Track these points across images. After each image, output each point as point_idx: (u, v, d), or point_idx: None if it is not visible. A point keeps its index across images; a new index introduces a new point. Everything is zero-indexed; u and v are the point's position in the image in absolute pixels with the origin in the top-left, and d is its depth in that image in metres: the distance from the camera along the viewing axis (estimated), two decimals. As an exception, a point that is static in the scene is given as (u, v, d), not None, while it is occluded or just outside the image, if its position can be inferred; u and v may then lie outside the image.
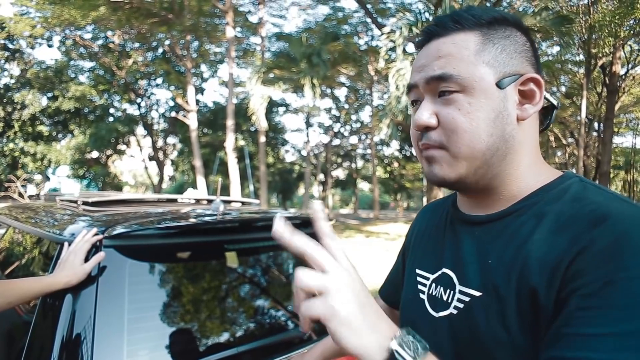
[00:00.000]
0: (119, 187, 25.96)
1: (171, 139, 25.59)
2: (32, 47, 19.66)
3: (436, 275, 0.63)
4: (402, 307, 0.71)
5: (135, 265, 1.06)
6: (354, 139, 28.26)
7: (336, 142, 27.52)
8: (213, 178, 21.74)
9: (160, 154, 24.45)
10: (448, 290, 0.59)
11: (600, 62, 11.67)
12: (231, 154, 13.57)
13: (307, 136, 24.03)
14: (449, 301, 0.58)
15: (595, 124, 15.02)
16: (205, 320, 1.12)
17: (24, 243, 1.42)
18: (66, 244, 1.05)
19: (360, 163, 31.32)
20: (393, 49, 7.27)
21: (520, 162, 0.57)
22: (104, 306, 0.94)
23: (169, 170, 28.69)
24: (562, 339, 0.43)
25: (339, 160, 30.27)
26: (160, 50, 20.15)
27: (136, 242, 1.08)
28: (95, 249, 1.02)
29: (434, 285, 0.63)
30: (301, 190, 32.39)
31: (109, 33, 18.58)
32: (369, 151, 27.63)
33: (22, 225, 1.41)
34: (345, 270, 0.43)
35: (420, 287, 0.66)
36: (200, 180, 15.51)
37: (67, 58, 20.79)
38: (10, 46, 19.10)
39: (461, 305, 0.56)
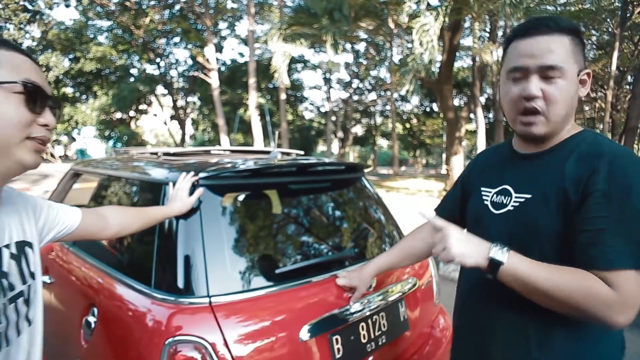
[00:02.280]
0: (142, 146, 26.65)
1: (191, 98, 25.82)
2: (50, 8, 19.71)
3: (497, 189, 0.99)
4: (469, 212, 1.09)
5: (223, 199, 1.36)
6: (372, 95, 27.91)
7: (355, 98, 27.22)
8: (234, 136, 22.08)
9: (181, 113, 24.81)
10: (506, 197, 0.96)
11: (638, 9, 11.03)
12: (254, 111, 13.75)
13: (328, 92, 23.72)
14: (507, 203, 0.95)
15: (629, 77, 14.39)
16: (279, 241, 1.43)
17: (124, 187, 1.74)
18: (171, 184, 1.34)
19: (379, 119, 31.06)
20: (417, 3, 7.12)
21: (569, 122, 0.92)
22: (207, 227, 1.25)
23: (189, 129, 29.11)
24: (587, 221, 0.80)
25: (358, 116, 30.06)
26: (177, 7, 19.91)
27: (223, 182, 1.38)
28: (193, 187, 1.32)
29: (495, 195, 0.99)
30: (320, 147, 32.59)
31: (125, -10, 18.40)
32: (388, 107, 27.32)
33: (124, 173, 1.72)
34: (450, 230, 0.85)
35: (484, 197, 1.03)
36: (223, 137, 15.87)
37: (84, 18, 20.80)
38: (30, 7, 19.21)
39: (517, 204, 0.92)
